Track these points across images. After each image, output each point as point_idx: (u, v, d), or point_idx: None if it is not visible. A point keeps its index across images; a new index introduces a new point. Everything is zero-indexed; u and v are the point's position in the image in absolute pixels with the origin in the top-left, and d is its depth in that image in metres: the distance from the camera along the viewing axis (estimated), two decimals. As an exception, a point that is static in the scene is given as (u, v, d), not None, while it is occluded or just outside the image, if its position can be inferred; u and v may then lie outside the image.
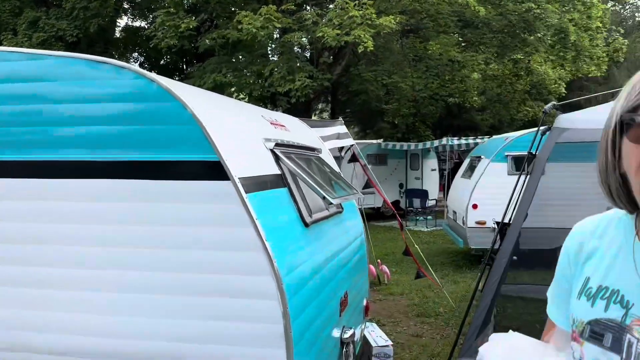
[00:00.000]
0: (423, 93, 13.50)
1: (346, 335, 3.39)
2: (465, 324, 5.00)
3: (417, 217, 14.10)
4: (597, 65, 14.40)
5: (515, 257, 3.87)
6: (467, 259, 9.47)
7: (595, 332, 1.04)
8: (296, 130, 3.84)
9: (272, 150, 2.91)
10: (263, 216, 2.38)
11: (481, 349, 1.26)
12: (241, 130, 2.74)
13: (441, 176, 17.10)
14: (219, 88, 11.87)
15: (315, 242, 3.00)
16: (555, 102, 4.05)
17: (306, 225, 2.90)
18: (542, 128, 4.04)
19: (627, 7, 36.21)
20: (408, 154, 15.44)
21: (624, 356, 0.98)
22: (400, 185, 15.32)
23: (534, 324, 2.11)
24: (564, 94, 16.82)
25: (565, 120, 3.69)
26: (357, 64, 15.95)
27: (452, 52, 14.05)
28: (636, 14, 36.68)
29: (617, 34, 16.66)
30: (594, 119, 2.78)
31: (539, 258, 4.38)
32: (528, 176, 3.90)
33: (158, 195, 2.36)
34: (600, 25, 12.61)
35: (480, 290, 4.92)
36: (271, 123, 3.32)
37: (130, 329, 2.39)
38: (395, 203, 15.19)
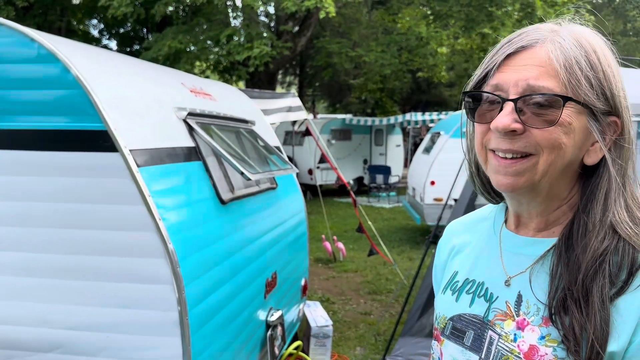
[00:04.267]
0: (387, 69, 13.21)
1: (273, 318, 3.22)
2: (409, 302, 4.91)
3: (380, 194, 13.99)
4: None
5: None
6: (425, 236, 9.40)
7: (457, 329, 0.95)
8: (225, 100, 3.59)
9: (184, 121, 2.67)
10: (160, 192, 2.16)
11: None
12: (145, 98, 2.48)
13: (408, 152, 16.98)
14: (176, 56, 11.38)
15: (234, 220, 2.79)
16: None
17: (222, 202, 2.68)
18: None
19: (599, -16, 36.41)
20: (373, 129, 15.25)
21: (483, 355, 0.89)
22: (365, 161, 15.14)
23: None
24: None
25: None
26: (322, 35, 15.57)
27: (422, 26, 13.78)
28: (606, -8, 36.94)
29: (584, 10, 16.57)
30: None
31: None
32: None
33: (40, 168, 2.11)
34: (567, 0, 12.52)
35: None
36: (191, 91, 3.06)
37: (10, 314, 2.16)
38: (359, 179, 15.05)
